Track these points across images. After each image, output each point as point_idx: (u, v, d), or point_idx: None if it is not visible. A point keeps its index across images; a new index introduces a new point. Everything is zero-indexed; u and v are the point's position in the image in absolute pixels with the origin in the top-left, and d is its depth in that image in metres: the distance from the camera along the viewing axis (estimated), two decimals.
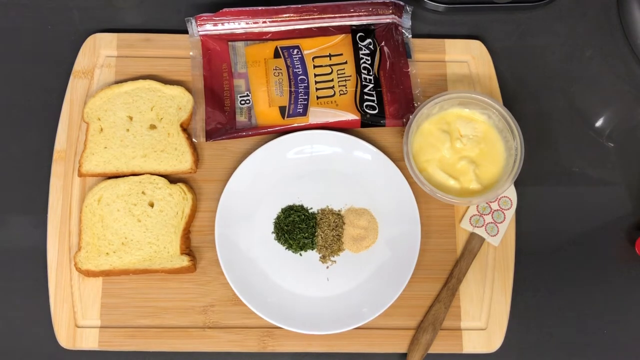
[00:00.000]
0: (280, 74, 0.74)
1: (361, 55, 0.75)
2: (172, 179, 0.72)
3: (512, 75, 0.78)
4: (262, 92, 0.74)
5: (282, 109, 0.73)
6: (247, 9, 0.76)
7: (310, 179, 0.74)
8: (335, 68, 0.75)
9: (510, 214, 0.73)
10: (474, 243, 0.71)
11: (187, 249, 0.70)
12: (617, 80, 0.80)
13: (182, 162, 0.72)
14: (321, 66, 0.75)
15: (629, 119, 0.79)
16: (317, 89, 0.74)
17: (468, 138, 0.72)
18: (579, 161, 0.77)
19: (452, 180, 0.71)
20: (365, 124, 0.74)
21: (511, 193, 0.73)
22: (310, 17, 0.77)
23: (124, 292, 0.70)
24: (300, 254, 0.72)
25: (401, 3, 0.77)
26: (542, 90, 0.79)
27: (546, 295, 0.72)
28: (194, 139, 0.73)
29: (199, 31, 0.75)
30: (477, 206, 0.73)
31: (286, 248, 0.72)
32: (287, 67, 0.74)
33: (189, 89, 0.75)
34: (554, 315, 0.72)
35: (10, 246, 0.72)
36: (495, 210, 0.73)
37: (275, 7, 0.76)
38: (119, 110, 0.73)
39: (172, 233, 0.70)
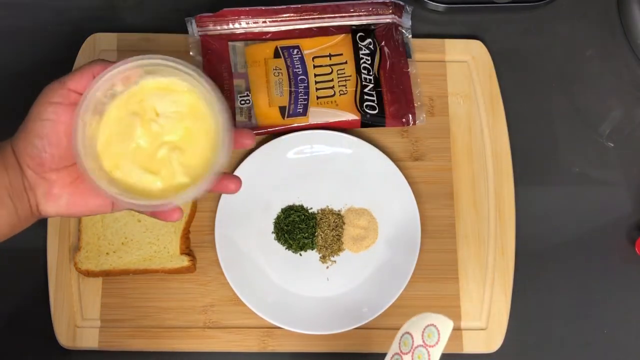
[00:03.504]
0: (280, 74, 0.74)
1: (361, 55, 0.75)
2: None
3: (512, 75, 0.78)
4: (262, 92, 0.74)
5: (282, 109, 0.73)
6: (247, 9, 0.76)
7: (310, 179, 0.73)
8: (335, 68, 0.75)
9: (438, 353, 0.51)
10: None
11: (187, 249, 0.70)
12: (617, 80, 0.80)
13: None
14: (321, 66, 0.75)
15: (629, 119, 0.79)
16: (317, 89, 0.74)
17: (167, 116, 0.55)
18: (579, 161, 0.77)
19: (150, 176, 0.54)
20: (365, 124, 0.74)
21: (441, 322, 0.52)
22: (310, 17, 0.77)
23: (124, 292, 0.70)
24: (300, 254, 0.72)
25: (401, 3, 0.77)
26: (542, 90, 0.79)
27: (546, 295, 0.72)
28: None
29: (198, 31, 0.75)
30: (400, 343, 0.54)
31: (286, 248, 0.72)
32: (287, 67, 0.74)
33: None
34: (554, 315, 0.72)
35: (10, 246, 0.71)
36: (416, 347, 0.52)
37: (275, 7, 0.76)
38: None
39: (172, 233, 0.70)
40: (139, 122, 0.54)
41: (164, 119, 0.54)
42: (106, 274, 0.69)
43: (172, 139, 0.54)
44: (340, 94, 0.74)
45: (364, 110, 0.73)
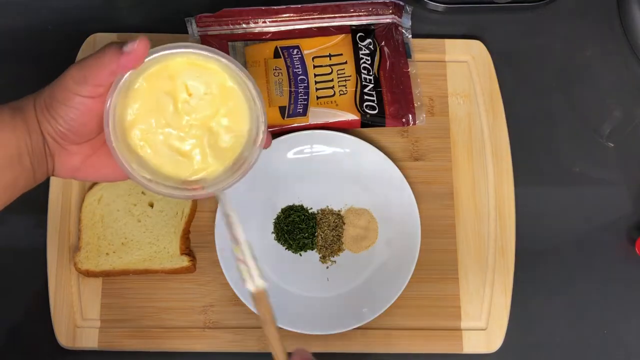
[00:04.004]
0: (280, 74, 0.74)
1: (361, 55, 0.75)
2: None
3: (512, 75, 0.78)
4: (261, 92, 0.73)
5: (282, 109, 0.73)
6: (247, 8, 0.76)
7: (310, 179, 0.73)
8: (335, 68, 0.75)
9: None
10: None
11: (187, 249, 0.70)
12: (617, 80, 0.80)
13: None
14: (321, 66, 0.75)
15: (629, 119, 0.79)
16: (317, 89, 0.74)
17: (199, 97, 0.53)
18: (579, 161, 0.77)
19: (180, 158, 0.54)
20: (365, 124, 0.74)
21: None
22: (310, 17, 0.77)
23: (124, 292, 0.70)
24: (300, 254, 0.72)
25: (401, 3, 0.77)
26: (542, 90, 0.79)
27: (546, 295, 0.72)
28: None
29: (198, 31, 0.75)
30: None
31: (286, 248, 0.72)
32: (287, 67, 0.74)
33: None
34: (554, 315, 0.72)
35: (10, 246, 0.72)
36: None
37: (275, 7, 0.76)
38: None
39: (172, 233, 0.70)
40: (171, 102, 0.53)
41: (196, 100, 0.53)
42: (106, 274, 0.69)
43: (204, 121, 0.54)
44: (340, 94, 0.74)
45: (364, 110, 0.73)
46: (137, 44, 0.50)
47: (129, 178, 0.53)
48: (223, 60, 0.52)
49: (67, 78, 0.51)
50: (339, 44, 0.76)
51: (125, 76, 0.50)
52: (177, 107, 0.53)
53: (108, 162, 0.54)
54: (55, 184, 0.72)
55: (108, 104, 0.50)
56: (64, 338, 0.68)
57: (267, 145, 0.56)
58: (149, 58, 0.51)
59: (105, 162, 0.55)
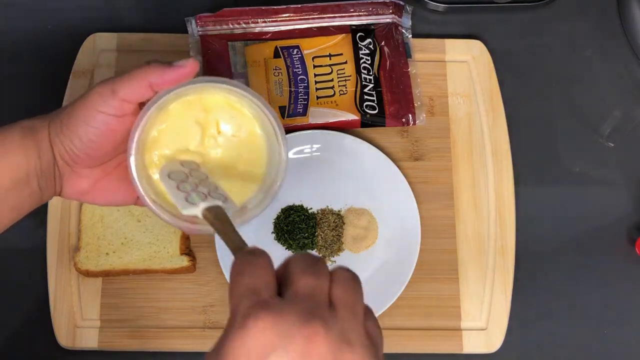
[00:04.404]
0: (280, 74, 0.74)
1: (361, 55, 0.75)
2: None
3: (512, 75, 0.78)
4: (261, 92, 0.74)
5: (281, 109, 0.73)
6: (247, 8, 0.76)
7: (310, 179, 0.73)
8: (335, 68, 0.75)
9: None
10: None
11: (187, 249, 0.70)
12: (617, 80, 0.80)
13: None
14: (321, 66, 0.75)
15: (629, 119, 0.79)
16: (317, 89, 0.74)
17: (227, 138, 0.54)
18: (579, 161, 0.77)
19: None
20: (365, 124, 0.74)
21: None
22: (310, 17, 0.77)
23: (123, 292, 0.70)
24: None
25: (401, 3, 0.77)
26: (542, 90, 0.79)
27: (546, 295, 0.72)
28: None
29: (198, 31, 0.75)
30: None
31: (286, 248, 0.72)
32: (287, 67, 0.74)
33: None
34: (554, 315, 0.72)
35: (10, 246, 0.72)
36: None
37: (275, 7, 0.76)
38: None
39: (172, 233, 0.70)
40: (199, 133, 0.53)
41: (223, 139, 0.53)
42: (106, 274, 0.69)
43: (224, 161, 0.53)
44: (340, 94, 0.74)
45: (364, 110, 0.73)
46: (191, 61, 0.49)
47: (134, 204, 0.54)
48: (261, 105, 0.52)
49: (91, 94, 0.49)
50: (339, 43, 0.76)
51: (165, 94, 0.49)
52: (204, 139, 0.53)
53: (117, 186, 0.54)
54: None
55: (144, 116, 0.49)
56: (63, 338, 0.68)
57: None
58: (190, 86, 0.50)
59: (114, 186, 0.54)
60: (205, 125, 0.53)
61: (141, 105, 0.50)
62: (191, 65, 0.49)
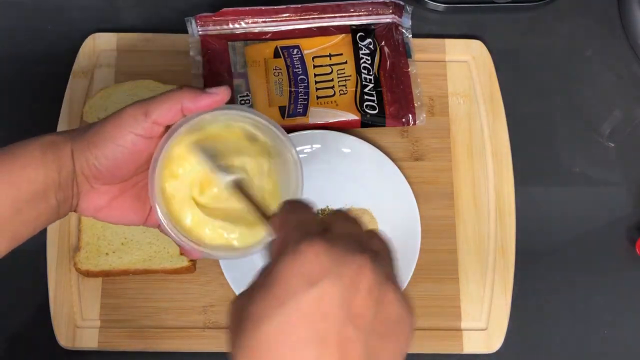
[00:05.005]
0: (280, 74, 0.74)
1: (361, 55, 0.75)
2: None
3: (512, 75, 0.78)
4: (261, 92, 0.74)
5: (282, 109, 0.73)
6: (247, 8, 0.76)
7: (310, 179, 0.73)
8: (335, 68, 0.75)
9: None
10: None
11: None
12: (617, 80, 0.80)
13: None
14: (321, 66, 0.75)
15: (629, 119, 0.79)
16: (317, 89, 0.74)
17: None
18: (579, 161, 0.77)
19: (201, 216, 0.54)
20: (365, 124, 0.74)
21: None
22: (310, 17, 0.77)
23: (124, 292, 0.70)
24: None
25: (401, 3, 0.77)
26: (542, 90, 0.79)
27: (546, 295, 0.72)
28: None
29: (198, 31, 0.75)
30: None
31: None
32: (287, 66, 0.74)
33: None
34: (554, 315, 0.72)
35: None
36: None
37: (275, 7, 0.76)
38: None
39: None
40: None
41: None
42: (106, 274, 0.69)
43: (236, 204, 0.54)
44: (340, 94, 0.74)
45: (364, 110, 0.73)
46: (222, 88, 0.51)
47: (144, 224, 0.56)
48: (280, 135, 0.55)
49: (124, 115, 0.50)
50: (339, 43, 0.76)
51: (197, 118, 0.51)
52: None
53: (131, 205, 0.55)
54: None
55: (174, 134, 0.51)
56: (63, 338, 0.68)
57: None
58: (217, 112, 0.52)
59: (128, 205, 0.55)
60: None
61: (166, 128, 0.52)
62: (223, 92, 0.52)
